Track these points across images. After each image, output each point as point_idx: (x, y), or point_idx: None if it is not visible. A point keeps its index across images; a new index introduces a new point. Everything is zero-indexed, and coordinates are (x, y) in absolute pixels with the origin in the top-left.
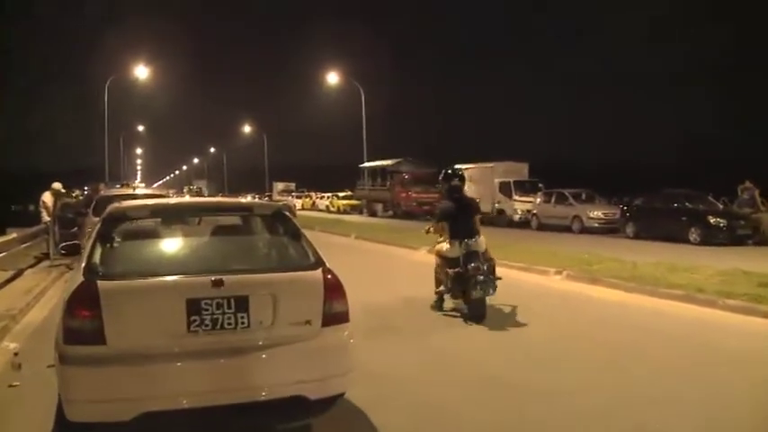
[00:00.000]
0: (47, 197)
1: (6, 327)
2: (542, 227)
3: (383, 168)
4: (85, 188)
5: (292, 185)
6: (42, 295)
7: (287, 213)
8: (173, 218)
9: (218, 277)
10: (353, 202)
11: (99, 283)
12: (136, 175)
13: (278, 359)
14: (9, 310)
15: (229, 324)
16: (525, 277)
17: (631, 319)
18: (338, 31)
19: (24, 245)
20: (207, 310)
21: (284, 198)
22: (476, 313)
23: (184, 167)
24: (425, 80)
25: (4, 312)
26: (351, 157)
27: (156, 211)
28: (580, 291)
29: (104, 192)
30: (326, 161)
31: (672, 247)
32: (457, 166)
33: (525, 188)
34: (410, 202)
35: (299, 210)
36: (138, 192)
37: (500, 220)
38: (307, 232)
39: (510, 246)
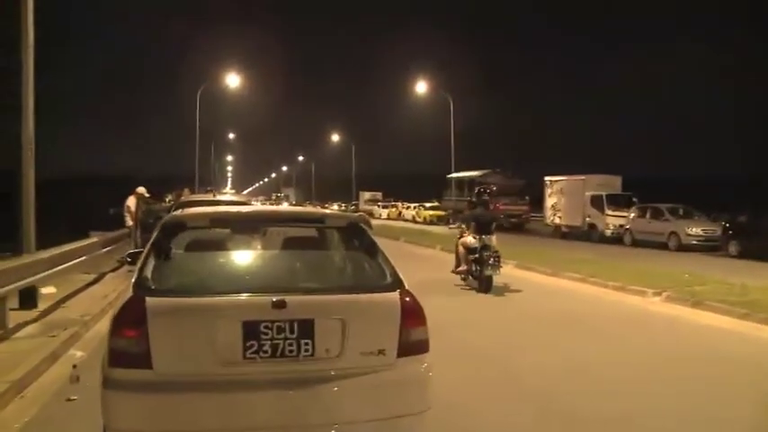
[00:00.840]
0: (131, 201)
1: (77, 334)
2: (636, 243)
3: (471, 179)
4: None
5: (379, 195)
6: (117, 301)
7: (363, 226)
8: (234, 228)
9: (280, 298)
10: (440, 212)
11: (147, 299)
12: (227, 181)
13: (345, 393)
14: (83, 315)
15: (291, 351)
16: (620, 298)
17: (752, 355)
18: (429, 42)
19: (106, 249)
20: (266, 334)
21: (370, 208)
22: (485, 286)
23: (273, 175)
24: (516, 91)
25: (77, 318)
26: (439, 168)
27: (216, 221)
28: (682, 315)
29: (186, 197)
30: (414, 171)
31: None
32: (546, 178)
33: (618, 202)
34: (497, 213)
35: (384, 219)
36: (220, 198)
37: (591, 234)
38: (391, 243)
39: (602, 262)
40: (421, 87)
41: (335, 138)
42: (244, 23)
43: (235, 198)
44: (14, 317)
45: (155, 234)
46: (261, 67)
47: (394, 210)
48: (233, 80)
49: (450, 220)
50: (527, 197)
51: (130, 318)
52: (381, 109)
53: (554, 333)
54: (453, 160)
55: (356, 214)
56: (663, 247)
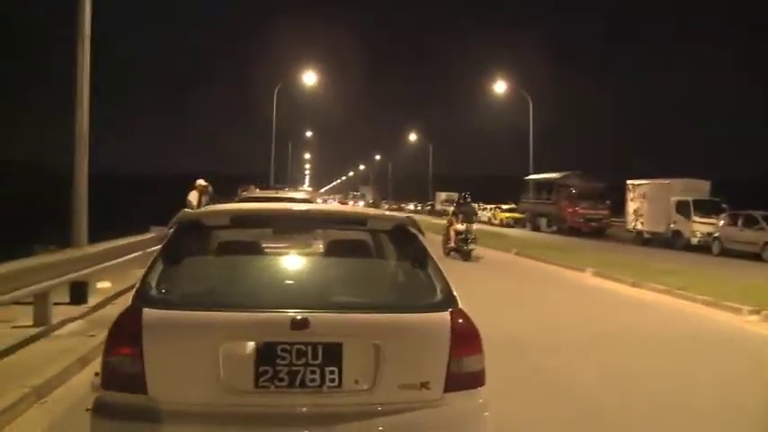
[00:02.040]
0: (192, 196)
1: None
2: (725, 252)
3: (550, 181)
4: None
5: (455, 195)
6: None
7: (412, 230)
8: (258, 229)
9: (302, 315)
10: (516, 215)
11: (145, 311)
12: (304, 179)
13: None
14: None
15: (313, 381)
16: (711, 314)
17: None
18: (509, 41)
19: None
20: (284, 359)
21: (446, 208)
22: (466, 257)
23: (351, 173)
24: (597, 92)
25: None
26: (517, 169)
27: (237, 219)
28: None
29: (247, 193)
30: (492, 172)
31: None
32: (628, 182)
33: (706, 208)
34: (576, 217)
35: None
36: (282, 195)
37: (675, 242)
38: None
39: (690, 273)
40: (500, 87)
41: (413, 137)
42: (321, 21)
43: (298, 195)
44: (61, 312)
45: (168, 234)
46: (338, 65)
47: None
48: (310, 78)
49: (528, 224)
50: (608, 201)
51: (124, 332)
52: (460, 109)
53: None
54: (532, 161)
55: (404, 215)
56: (756, 258)
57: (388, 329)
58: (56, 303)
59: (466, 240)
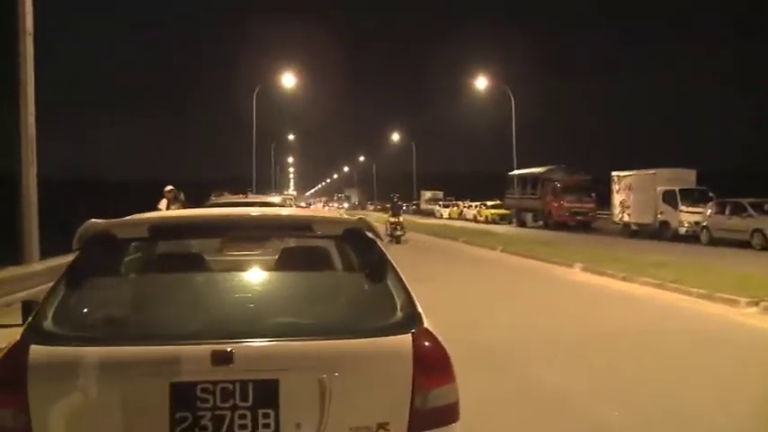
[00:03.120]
0: (162, 204)
1: None
2: (714, 241)
3: (534, 176)
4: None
5: (440, 194)
6: None
7: (368, 234)
8: (182, 240)
9: (223, 347)
10: (502, 211)
11: (32, 348)
12: (288, 183)
13: None
14: None
15: (243, 428)
16: (707, 308)
17: None
18: (486, 35)
19: None
20: (206, 402)
21: (431, 207)
22: (398, 241)
23: (336, 176)
24: (576, 84)
25: None
26: (500, 165)
27: (156, 229)
28: None
29: (216, 198)
30: (476, 169)
31: None
32: (613, 173)
33: (693, 197)
34: (562, 211)
35: (445, 219)
36: (252, 200)
37: (663, 232)
38: (450, 244)
39: (681, 264)
40: (481, 83)
41: (396, 137)
42: (296, 21)
43: (270, 199)
44: (9, 335)
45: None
46: (316, 66)
47: (455, 209)
48: (289, 80)
49: (513, 219)
50: (593, 194)
51: (4, 377)
52: (441, 107)
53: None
54: (515, 157)
55: (356, 218)
56: (745, 245)
57: (335, 360)
58: (3, 326)
59: (395, 229)
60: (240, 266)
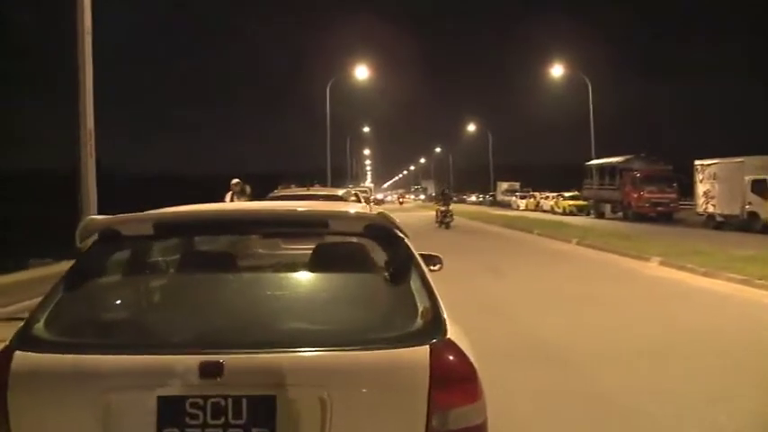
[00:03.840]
0: (228, 198)
1: None
2: None
3: (613, 166)
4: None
5: (516, 185)
6: None
7: (392, 230)
8: (187, 238)
9: (213, 358)
10: (580, 202)
11: (17, 355)
12: (366, 176)
13: None
14: None
15: None
16: None
17: None
18: (564, 24)
19: None
20: (195, 418)
21: (508, 198)
22: (447, 227)
23: (412, 167)
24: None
25: None
26: (579, 155)
27: (162, 226)
28: None
29: (278, 192)
30: (554, 159)
31: None
32: (697, 162)
33: None
34: (642, 202)
35: (521, 210)
36: (314, 192)
37: (751, 224)
38: (524, 236)
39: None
40: (558, 71)
41: (472, 128)
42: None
43: (336, 192)
44: None
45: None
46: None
47: (531, 200)
48: (362, 72)
49: (591, 211)
50: (674, 184)
51: None
52: (520, 98)
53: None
54: (594, 147)
55: (376, 213)
56: None
57: (340, 374)
58: None
59: (445, 215)
60: (258, 266)
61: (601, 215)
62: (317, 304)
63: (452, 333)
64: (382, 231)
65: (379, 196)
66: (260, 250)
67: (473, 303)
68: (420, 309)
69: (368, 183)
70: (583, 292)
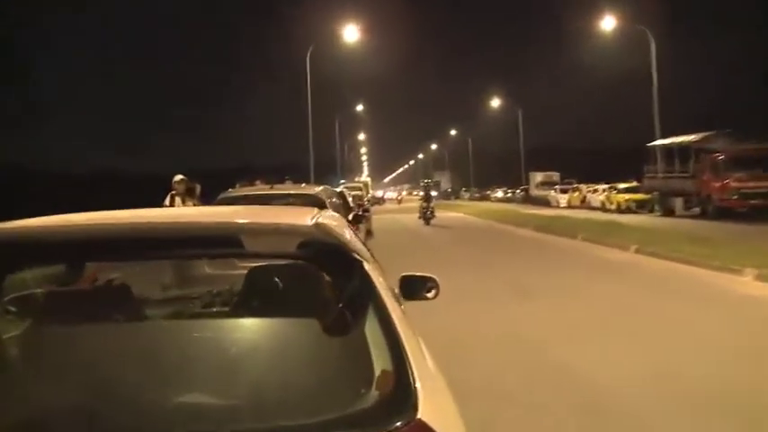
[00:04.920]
0: (168, 201)
1: None
2: None
3: (685, 146)
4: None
5: (555, 176)
6: None
7: (341, 249)
8: (80, 264)
9: None
10: (639, 195)
11: None
12: (362, 167)
13: None
14: None
15: None
16: None
17: None
18: None
19: None
20: None
21: (545, 192)
22: (428, 223)
23: (420, 156)
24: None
25: None
26: (638, 135)
27: (26, 246)
28: None
29: (236, 191)
30: (604, 141)
31: None
32: None
33: None
34: (728, 194)
35: (562, 208)
36: (278, 192)
37: None
38: (566, 242)
39: None
40: (608, 24)
41: (495, 104)
42: None
43: (306, 191)
44: None
45: None
46: (386, 18)
47: (576, 194)
48: (351, 33)
49: (656, 206)
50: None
51: None
52: (557, 62)
53: None
54: (658, 122)
55: (312, 224)
56: None
57: None
58: None
59: (426, 211)
60: (184, 297)
61: (669, 212)
62: (228, 368)
63: (428, 408)
64: (324, 251)
65: (378, 193)
66: (207, 270)
67: (488, 339)
68: (377, 373)
69: (364, 176)
70: (646, 323)
